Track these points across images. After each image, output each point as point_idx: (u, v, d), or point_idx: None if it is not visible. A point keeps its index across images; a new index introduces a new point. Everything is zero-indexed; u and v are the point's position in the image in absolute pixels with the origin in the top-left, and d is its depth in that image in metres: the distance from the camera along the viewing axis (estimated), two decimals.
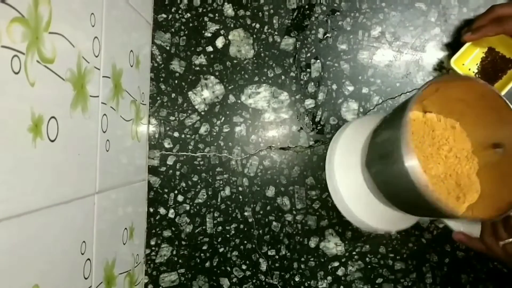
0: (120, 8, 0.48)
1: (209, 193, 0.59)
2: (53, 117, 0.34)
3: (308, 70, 0.59)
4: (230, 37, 0.59)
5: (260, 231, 0.59)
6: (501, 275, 0.58)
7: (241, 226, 0.59)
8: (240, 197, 0.59)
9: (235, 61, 0.59)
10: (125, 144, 0.51)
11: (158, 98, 0.59)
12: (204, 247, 0.59)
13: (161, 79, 0.59)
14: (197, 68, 0.59)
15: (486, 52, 0.56)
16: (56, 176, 0.35)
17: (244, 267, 0.59)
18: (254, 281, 0.59)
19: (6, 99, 0.29)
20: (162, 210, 0.59)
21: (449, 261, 0.58)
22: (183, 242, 0.59)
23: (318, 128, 0.59)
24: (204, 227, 0.59)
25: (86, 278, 0.41)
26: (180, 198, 0.59)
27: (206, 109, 0.59)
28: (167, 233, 0.59)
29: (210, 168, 0.59)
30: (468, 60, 0.56)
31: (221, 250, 0.59)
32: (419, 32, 0.58)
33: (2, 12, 0.28)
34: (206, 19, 0.59)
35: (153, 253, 0.59)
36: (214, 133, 0.59)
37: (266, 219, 0.59)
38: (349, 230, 0.58)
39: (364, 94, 0.58)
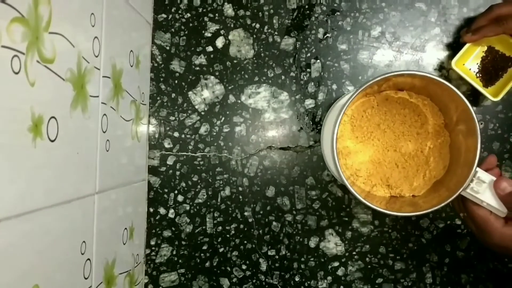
0: (120, 8, 0.48)
1: (209, 193, 0.59)
2: (53, 117, 0.34)
3: (308, 70, 0.59)
4: (230, 37, 0.59)
5: (260, 231, 0.59)
6: (501, 275, 0.58)
7: (241, 226, 0.59)
8: (240, 197, 0.59)
9: (235, 61, 0.59)
10: (125, 144, 0.51)
11: (158, 98, 0.59)
12: (204, 247, 0.59)
13: (161, 79, 0.59)
14: (197, 68, 0.59)
15: (486, 51, 0.56)
16: (56, 176, 0.35)
17: (244, 267, 0.59)
18: (254, 281, 0.59)
19: (6, 99, 0.29)
20: (162, 210, 0.59)
21: (449, 261, 0.58)
22: (183, 242, 0.59)
23: (318, 128, 0.59)
24: (204, 227, 0.59)
25: (86, 278, 0.41)
26: (180, 198, 0.59)
27: (206, 109, 0.59)
28: (167, 233, 0.59)
29: (210, 168, 0.59)
30: (469, 60, 0.57)
31: (221, 250, 0.59)
32: (419, 32, 0.58)
33: (2, 12, 0.28)
34: (206, 19, 0.59)
35: (153, 253, 0.59)
36: (214, 133, 0.59)
37: (266, 219, 0.59)
38: (349, 230, 0.58)
39: None
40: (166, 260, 0.59)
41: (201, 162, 0.59)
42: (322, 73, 0.59)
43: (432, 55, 0.58)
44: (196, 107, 0.59)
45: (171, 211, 0.59)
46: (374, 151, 0.52)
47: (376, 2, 0.58)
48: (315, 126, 0.59)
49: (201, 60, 0.59)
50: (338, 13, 0.58)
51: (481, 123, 0.57)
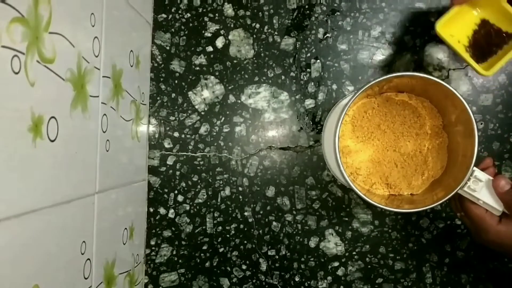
0: (120, 8, 0.48)
1: (209, 193, 0.59)
2: (53, 117, 0.34)
3: (308, 70, 0.59)
4: (230, 37, 0.59)
5: (260, 231, 0.59)
6: (501, 275, 0.58)
7: (241, 226, 0.59)
8: (240, 197, 0.59)
9: (235, 61, 0.59)
10: (125, 144, 0.51)
11: (158, 98, 0.59)
12: (204, 247, 0.59)
13: (161, 79, 0.59)
14: (197, 68, 0.59)
15: (479, 25, 0.51)
16: (56, 176, 0.35)
17: (244, 267, 0.59)
18: (254, 281, 0.59)
19: (6, 99, 0.29)
20: (162, 210, 0.59)
21: (449, 261, 0.58)
22: (183, 242, 0.59)
23: (318, 128, 0.59)
24: (204, 227, 0.59)
25: (86, 278, 0.41)
26: (180, 198, 0.59)
27: (206, 109, 0.59)
28: (167, 233, 0.59)
29: (210, 168, 0.59)
30: (457, 31, 0.51)
31: (221, 250, 0.59)
32: (419, 32, 0.58)
33: (2, 12, 0.28)
34: (206, 19, 0.59)
35: (153, 253, 0.59)
36: (214, 133, 0.59)
37: (266, 219, 0.59)
38: (349, 230, 0.58)
39: None
40: (166, 260, 0.59)
41: (201, 162, 0.59)
42: (322, 73, 0.59)
43: (432, 55, 0.58)
44: (196, 107, 0.59)
45: (171, 211, 0.59)
46: (374, 151, 0.52)
47: (376, 2, 0.58)
48: (315, 126, 0.59)
49: (201, 60, 0.59)
50: (338, 13, 0.58)
51: (481, 123, 0.57)
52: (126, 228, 0.52)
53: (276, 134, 0.59)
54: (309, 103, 0.59)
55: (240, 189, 0.59)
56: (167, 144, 0.59)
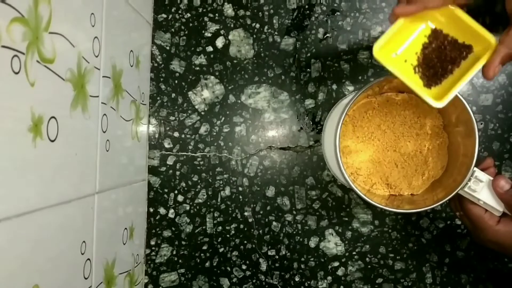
0: (120, 8, 0.48)
1: (209, 193, 0.59)
2: (53, 117, 0.34)
3: (308, 70, 0.59)
4: (230, 37, 0.59)
5: (260, 231, 0.59)
6: (501, 275, 0.58)
7: (241, 226, 0.59)
8: (240, 197, 0.59)
9: (235, 61, 0.59)
10: (125, 144, 0.51)
11: (158, 98, 0.59)
12: (204, 247, 0.59)
13: (161, 79, 0.59)
14: (197, 68, 0.59)
15: (430, 36, 0.40)
16: (56, 176, 0.35)
17: (244, 267, 0.59)
18: (254, 281, 0.59)
19: (6, 99, 0.29)
20: (162, 210, 0.59)
21: (449, 261, 0.58)
22: (183, 242, 0.59)
23: (318, 128, 0.59)
24: (204, 227, 0.59)
25: (86, 278, 0.41)
26: (180, 198, 0.59)
27: (206, 109, 0.59)
28: (167, 233, 0.59)
29: (210, 168, 0.59)
30: (403, 48, 0.41)
31: (221, 250, 0.59)
32: None
33: (2, 12, 0.28)
34: (206, 19, 0.59)
35: (153, 253, 0.59)
36: (214, 133, 0.59)
37: (266, 219, 0.59)
38: (349, 230, 0.58)
39: None
40: (166, 260, 0.59)
41: (201, 162, 0.59)
42: (322, 73, 0.59)
43: None
44: (196, 107, 0.59)
45: (171, 211, 0.59)
46: (374, 151, 0.52)
47: (376, 2, 0.58)
48: (315, 126, 0.59)
49: (201, 60, 0.59)
50: (338, 13, 0.58)
51: (481, 123, 0.57)
52: (126, 228, 0.52)
53: (276, 134, 0.59)
54: (309, 103, 0.59)
55: (240, 189, 0.59)
56: (167, 144, 0.59)
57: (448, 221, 0.58)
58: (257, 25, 0.59)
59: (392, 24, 0.39)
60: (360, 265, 0.58)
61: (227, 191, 0.59)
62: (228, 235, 0.59)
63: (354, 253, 0.58)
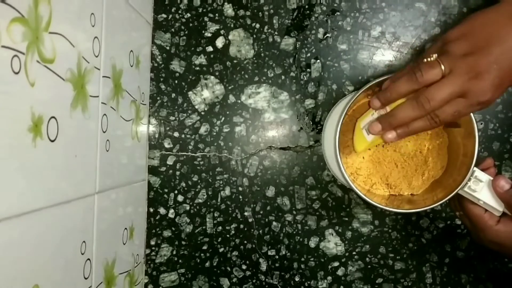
0: (120, 8, 0.48)
1: (209, 193, 0.59)
2: (53, 117, 0.34)
3: (308, 70, 0.59)
4: (230, 37, 0.59)
5: (260, 231, 0.59)
6: (501, 275, 0.58)
7: (241, 226, 0.59)
8: (240, 197, 0.59)
9: (235, 61, 0.59)
10: (125, 144, 0.51)
11: (158, 98, 0.59)
12: (204, 247, 0.59)
13: (161, 79, 0.59)
14: (197, 68, 0.59)
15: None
16: (56, 176, 0.35)
17: (244, 267, 0.59)
18: (254, 281, 0.59)
19: (6, 99, 0.29)
20: (162, 210, 0.59)
21: (449, 261, 0.58)
22: (183, 242, 0.59)
23: (318, 128, 0.59)
24: (204, 227, 0.59)
25: (86, 278, 0.41)
26: (180, 198, 0.59)
27: (206, 109, 0.59)
28: (167, 233, 0.59)
29: (210, 168, 0.59)
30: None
31: (221, 250, 0.59)
32: (419, 32, 0.58)
33: (2, 12, 0.28)
34: (206, 19, 0.59)
35: (153, 253, 0.59)
36: (214, 133, 0.59)
37: (266, 219, 0.59)
38: (349, 230, 0.58)
39: None
40: (166, 260, 0.59)
41: (201, 162, 0.59)
42: (322, 73, 0.59)
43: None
44: (196, 107, 0.59)
45: (171, 211, 0.59)
46: (374, 151, 0.52)
47: (376, 2, 0.58)
48: (315, 126, 0.59)
49: (201, 60, 0.59)
50: (338, 13, 0.58)
51: (481, 123, 0.57)
52: (126, 228, 0.52)
53: (276, 134, 0.59)
54: (309, 103, 0.59)
55: (240, 189, 0.59)
56: (167, 144, 0.59)
57: (448, 221, 0.58)
58: (257, 25, 0.59)
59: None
60: (360, 265, 0.58)
61: (227, 191, 0.59)
62: (228, 235, 0.59)
63: (354, 253, 0.58)
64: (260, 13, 0.59)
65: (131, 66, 0.52)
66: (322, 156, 0.58)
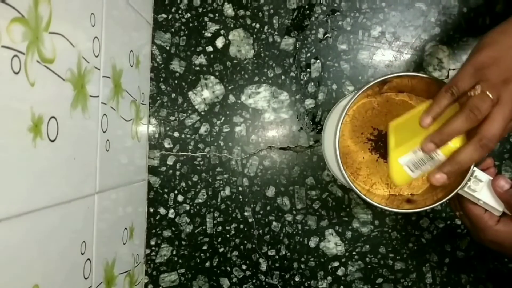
0: (120, 8, 0.48)
1: (209, 193, 0.59)
2: (53, 117, 0.34)
3: (308, 70, 0.59)
4: (230, 37, 0.59)
5: (260, 231, 0.59)
6: (501, 275, 0.58)
7: (241, 226, 0.59)
8: (240, 197, 0.59)
9: (235, 61, 0.59)
10: (125, 144, 0.51)
11: (158, 98, 0.59)
12: (204, 247, 0.59)
13: (161, 79, 0.59)
14: (197, 68, 0.59)
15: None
16: (56, 176, 0.35)
17: (244, 267, 0.59)
18: (254, 281, 0.59)
19: (6, 99, 0.29)
20: (162, 210, 0.59)
21: (449, 261, 0.58)
22: (183, 242, 0.59)
23: (318, 128, 0.59)
24: (204, 227, 0.59)
25: (86, 278, 0.41)
26: (180, 198, 0.59)
27: (206, 109, 0.59)
28: (167, 233, 0.59)
29: (210, 168, 0.59)
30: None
31: (221, 250, 0.59)
32: (419, 32, 0.58)
33: (2, 12, 0.28)
34: (206, 19, 0.59)
35: (153, 253, 0.59)
36: (214, 133, 0.59)
37: (266, 219, 0.59)
38: (349, 230, 0.58)
39: None
40: (166, 260, 0.59)
41: (201, 162, 0.59)
42: (322, 73, 0.59)
43: (432, 55, 0.58)
44: (196, 107, 0.59)
45: (171, 211, 0.59)
46: (374, 151, 0.52)
47: (376, 2, 0.58)
48: (315, 126, 0.59)
49: (201, 60, 0.59)
50: (338, 13, 0.58)
51: None
52: (126, 228, 0.52)
53: (276, 134, 0.59)
54: (309, 103, 0.59)
55: (240, 189, 0.59)
56: (167, 144, 0.59)
57: (448, 221, 0.58)
58: (257, 25, 0.59)
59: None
60: (360, 265, 0.58)
61: (227, 191, 0.59)
62: (228, 235, 0.59)
63: (354, 253, 0.58)
64: (260, 13, 0.59)
65: (131, 66, 0.52)
66: (322, 156, 0.58)
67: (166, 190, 0.59)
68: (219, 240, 0.59)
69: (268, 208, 0.59)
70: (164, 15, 0.59)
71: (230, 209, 0.59)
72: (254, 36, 0.59)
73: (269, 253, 0.59)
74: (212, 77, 0.59)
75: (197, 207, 0.59)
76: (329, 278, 0.59)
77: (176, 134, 0.59)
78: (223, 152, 0.59)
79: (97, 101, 0.43)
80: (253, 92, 0.59)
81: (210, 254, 0.59)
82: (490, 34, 0.42)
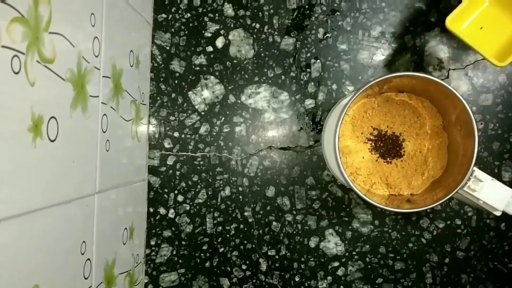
0: (120, 8, 0.48)
1: (209, 193, 0.59)
2: (53, 117, 0.34)
3: (308, 70, 0.59)
4: (230, 37, 0.59)
5: (260, 231, 0.59)
6: (501, 275, 0.58)
7: (241, 226, 0.59)
8: (240, 197, 0.59)
9: (235, 61, 0.59)
10: (125, 144, 0.51)
11: (158, 98, 0.59)
12: (204, 247, 0.59)
13: (161, 79, 0.59)
14: (197, 68, 0.59)
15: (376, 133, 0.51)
16: (56, 176, 0.35)
17: (244, 267, 0.59)
18: (254, 281, 0.59)
19: (6, 99, 0.29)
20: (162, 210, 0.59)
21: (449, 261, 0.58)
22: (183, 242, 0.59)
23: (318, 128, 0.59)
24: (204, 227, 0.59)
25: (86, 278, 0.41)
26: (180, 198, 0.59)
27: (206, 109, 0.59)
28: (167, 233, 0.59)
29: (210, 168, 0.59)
30: (467, 23, 0.51)
31: (221, 250, 0.59)
32: (419, 32, 0.58)
33: (2, 12, 0.28)
34: (206, 19, 0.59)
35: (153, 253, 0.59)
36: (214, 133, 0.59)
37: (266, 219, 0.59)
38: (349, 230, 0.58)
39: None
40: (166, 260, 0.59)
41: (201, 162, 0.59)
42: (322, 73, 0.59)
43: (432, 55, 0.58)
44: (196, 107, 0.59)
45: (171, 211, 0.59)
46: (373, 151, 0.52)
47: (376, 2, 0.58)
48: (315, 126, 0.59)
49: (201, 60, 0.59)
50: (338, 13, 0.58)
51: (481, 123, 0.57)
52: (126, 228, 0.52)
53: (276, 134, 0.59)
54: (309, 103, 0.59)
55: (240, 189, 0.59)
56: (167, 144, 0.59)
57: (448, 221, 0.58)
58: (257, 25, 0.59)
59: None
60: (360, 265, 0.58)
61: (227, 191, 0.59)
62: (228, 235, 0.59)
63: (354, 253, 0.58)
64: (260, 13, 0.59)
65: (131, 66, 0.52)
66: (322, 156, 0.58)
67: (166, 190, 0.59)
68: (219, 240, 0.59)
69: (268, 208, 0.59)
70: (164, 15, 0.59)
71: (230, 209, 0.59)
72: (254, 36, 0.59)
73: (269, 253, 0.59)
74: (212, 77, 0.59)
75: (197, 207, 0.59)
76: (329, 278, 0.59)
77: (176, 134, 0.59)
78: (223, 152, 0.59)
79: (97, 101, 0.43)
80: (253, 92, 0.59)
81: (210, 254, 0.59)
82: None
